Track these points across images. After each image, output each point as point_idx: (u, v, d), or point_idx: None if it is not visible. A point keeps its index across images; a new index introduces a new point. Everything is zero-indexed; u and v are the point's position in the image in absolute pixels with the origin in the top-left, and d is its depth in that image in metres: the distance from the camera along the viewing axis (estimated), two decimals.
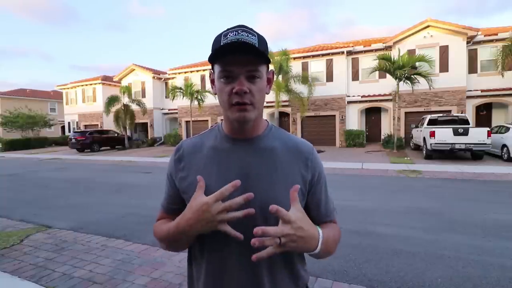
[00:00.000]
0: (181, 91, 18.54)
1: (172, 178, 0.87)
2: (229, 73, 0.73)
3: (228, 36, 0.73)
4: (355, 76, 17.71)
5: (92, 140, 19.16)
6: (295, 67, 17.00)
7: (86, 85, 25.93)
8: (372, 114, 18.00)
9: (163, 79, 24.21)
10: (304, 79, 16.21)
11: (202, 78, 21.15)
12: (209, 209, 0.70)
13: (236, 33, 0.73)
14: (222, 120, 0.89)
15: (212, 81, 0.81)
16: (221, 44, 0.73)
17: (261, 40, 0.75)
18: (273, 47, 29.11)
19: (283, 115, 18.78)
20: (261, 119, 0.85)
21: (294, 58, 17.37)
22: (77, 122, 26.71)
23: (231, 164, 0.81)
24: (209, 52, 0.76)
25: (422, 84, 13.50)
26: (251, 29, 0.76)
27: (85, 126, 25.87)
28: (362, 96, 17.21)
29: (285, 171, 0.81)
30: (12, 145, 22.60)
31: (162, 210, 0.92)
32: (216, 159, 0.82)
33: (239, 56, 0.71)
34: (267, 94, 0.82)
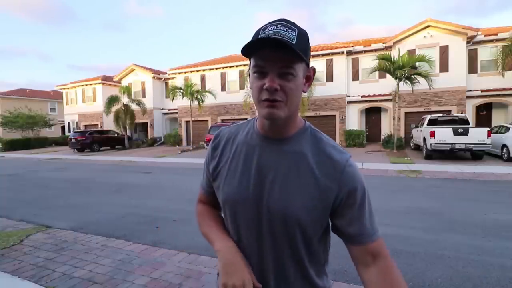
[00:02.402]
0: (181, 91, 18.54)
1: (208, 164, 0.92)
2: (261, 68, 0.71)
3: (266, 30, 0.69)
4: (355, 76, 17.71)
5: (92, 140, 19.15)
6: None
7: (86, 85, 25.94)
8: (372, 114, 18.00)
9: (163, 79, 24.21)
10: None
11: (202, 78, 21.15)
12: (234, 278, 0.76)
13: (275, 27, 0.69)
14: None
15: (249, 75, 0.78)
16: (256, 39, 0.69)
17: (301, 35, 0.70)
18: None
19: None
20: (294, 119, 0.80)
21: None
22: (77, 122, 26.71)
23: (253, 163, 0.80)
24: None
25: (422, 84, 13.49)
26: (293, 24, 0.71)
27: (85, 126, 25.87)
28: (362, 96, 17.21)
29: (306, 180, 0.75)
30: (12, 145, 22.59)
31: (202, 191, 0.99)
32: (243, 155, 0.83)
33: (270, 52, 0.68)
34: (305, 92, 0.78)
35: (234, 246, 0.82)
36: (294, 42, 0.67)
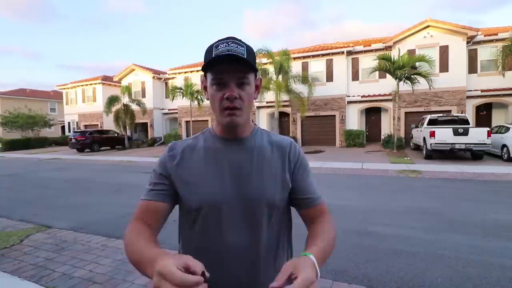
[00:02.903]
0: (181, 91, 18.55)
1: (165, 171, 0.88)
2: (221, 80, 0.81)
3: (219, 47, 0.80)
4: (355, 76, 17.71)
5: (92, 140, 19.15)
6: (295, 67, 17.00)
7: (86, 85, 25.95)
8: (372, 114, 18.00)
9: (163, 79, 24.22)
10: (304, 79, 16.21)
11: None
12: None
13: (227, 44, 0.80)
14: (212, 126, 0.96)
15: (205, 88, 0.88)
16: (213, 55, 0.80)
17: (249, 50, 0.83)
18: (272, 46, 29.14)
19: (283, 115, 18.77)
20: (249, 122, 0.93)
21: (294, 58, 17.37)
22: (77, 122, 26.71)
23: (224, 163, 0.87)
24: (201, 53, 0.84)
25: (422, 84, 13.50)
26: (240, 40, 0.83)
27: (85, 126, 25.87)
28: (362, 96, 17.20)
29: (272, 166, 0.90)
30: (12, 145, 22.59)
31: (146, 201, 0.88)
32: (210, 159, 0.89)
33: (229, 65, 0.79)
34: (255, 99, 0.90)
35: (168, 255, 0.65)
36: (245, 57, 0.80)
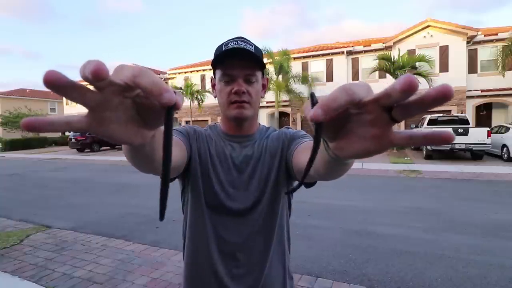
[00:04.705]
0: (181, 91, 18.55)
1: (187, 132, 0.89)
2: (229, 76, 0.82)
3: (228, 45, 0.82)
4: (355, 76, 17.70)
5: (92, 140, 19.14)
6: (295, 67, 17.00)
7: (86, 85, 25.86)
8: None
9: (163, 79, 24.17)
10: (304, 79, 16.22)
11: (202, 78, 21.16)
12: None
13: (236, 42, 0.82)
14: (219, 122, 0.96)
15: (213, 86, 0.89)
16: (223, 50, 0.82)
17: (257, 49, 0.84)
18: (271, 46, 29.10)
19: (283, 115, 18.78)
20: (256, 120, 0.94)
21: (294, 58, 17.37)
22: None
23: (228, 160, 0.88)
24: (208, 52, 0.81)
25: (422, 84, 13.46)
26: (249, 40, 0.85)
27: None
28: None
29: (274, 160, 0.88)
30: (12, 145, 22.58)
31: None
32: (221, 153, 0.89)
33: (238, 60, 0.80)
34: (262, 98, 0.91)
35: None
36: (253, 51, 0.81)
